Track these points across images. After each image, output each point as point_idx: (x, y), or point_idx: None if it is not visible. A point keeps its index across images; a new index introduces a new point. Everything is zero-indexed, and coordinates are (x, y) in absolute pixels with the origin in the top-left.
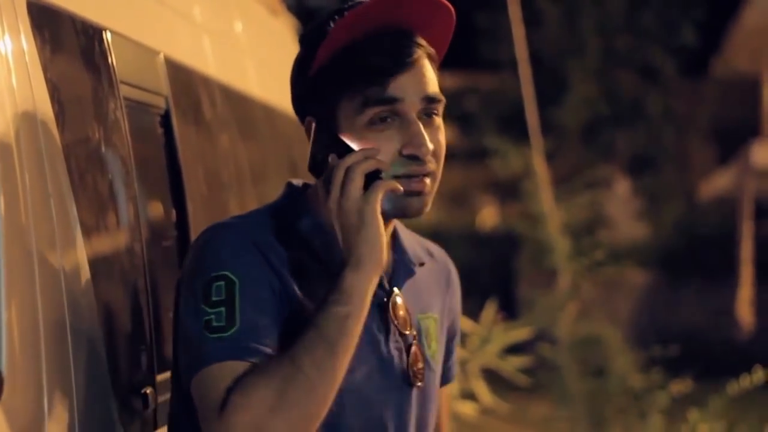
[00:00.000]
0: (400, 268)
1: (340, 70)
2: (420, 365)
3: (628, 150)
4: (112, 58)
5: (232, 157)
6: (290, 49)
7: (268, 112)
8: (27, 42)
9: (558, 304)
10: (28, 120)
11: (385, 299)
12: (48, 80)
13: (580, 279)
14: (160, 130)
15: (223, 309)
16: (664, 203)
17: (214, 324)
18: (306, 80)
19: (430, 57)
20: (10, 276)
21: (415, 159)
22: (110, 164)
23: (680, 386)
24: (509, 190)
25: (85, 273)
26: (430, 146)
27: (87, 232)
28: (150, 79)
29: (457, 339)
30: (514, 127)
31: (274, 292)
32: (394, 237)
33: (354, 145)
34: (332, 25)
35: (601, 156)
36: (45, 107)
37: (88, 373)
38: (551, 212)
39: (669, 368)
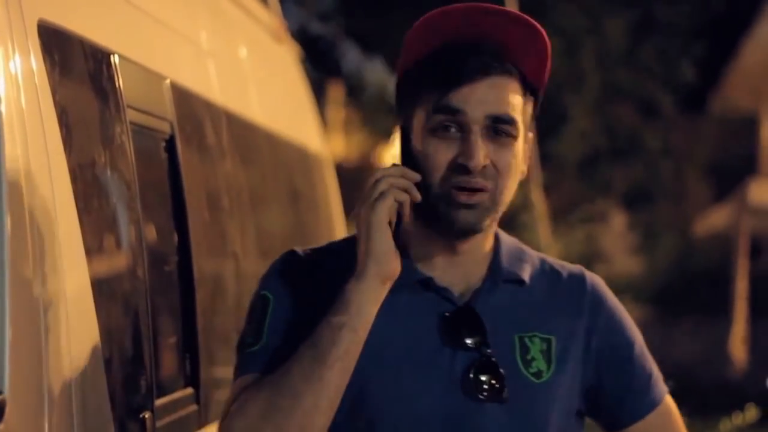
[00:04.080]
0: (488, 284)
1: (414, 79)
2: (493, 381)
3: (626, 184)
4: (120, 82)
5: (234, 182)
6: (293, 76)
7: (270, 138)
8: (36, 63)
9: None
10: (36, 141)
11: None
12: (56, 102)
13: None
14: (164, 155)
15: (254, 325)
16: (659, 238)
17: (247, 339)
18: (395, 87)
19: (512, 78)
20: (14, 297)
21: (466, 171)
22: (115, 187)
23: None
24: (507, 222)
25: (88, 296)
26: (482, 161)
27: (90, 255)
28: (156, 104)
29: (636, 361)
30: None
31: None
32: (495, 252)
33: (420, 158)
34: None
35: (599, 190)
36: (53, 129)
37: (88, 397)
38: (548, 245)
39: None
